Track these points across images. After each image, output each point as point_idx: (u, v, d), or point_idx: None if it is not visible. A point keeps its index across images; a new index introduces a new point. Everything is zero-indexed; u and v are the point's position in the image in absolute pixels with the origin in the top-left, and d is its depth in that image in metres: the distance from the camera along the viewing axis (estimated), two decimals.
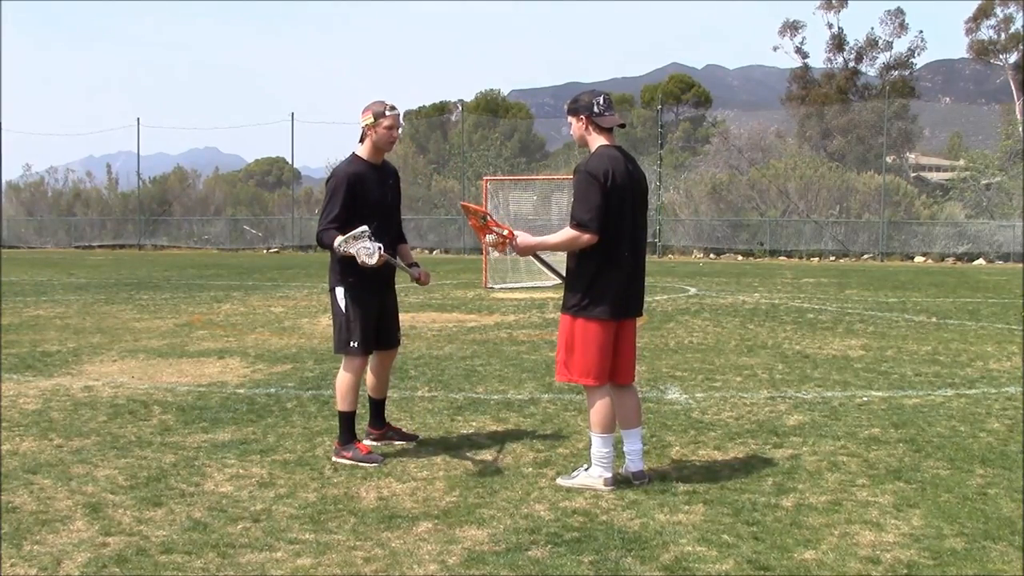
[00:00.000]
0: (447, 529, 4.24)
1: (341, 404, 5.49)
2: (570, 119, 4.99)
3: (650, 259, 28.50)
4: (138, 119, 42.66)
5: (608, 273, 4.81)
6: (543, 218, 20.85)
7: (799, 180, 35.97)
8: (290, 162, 50.09)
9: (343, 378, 5.49)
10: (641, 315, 5.11)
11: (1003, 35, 49.08)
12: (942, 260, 32.41)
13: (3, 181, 47.25)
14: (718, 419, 6.50)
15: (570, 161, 37.47)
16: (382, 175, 5.55)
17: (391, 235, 5.54)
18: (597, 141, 4.91)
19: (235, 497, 4.71)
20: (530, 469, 5.24)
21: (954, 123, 65.15)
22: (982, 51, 50.12)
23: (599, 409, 4.88)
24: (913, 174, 45.63)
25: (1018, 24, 49.07)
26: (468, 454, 5.57)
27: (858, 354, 9.51)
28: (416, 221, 38.60)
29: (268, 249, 40.53)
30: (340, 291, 5.44)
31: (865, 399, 7.22)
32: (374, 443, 5.73)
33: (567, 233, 4.79)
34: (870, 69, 50.68)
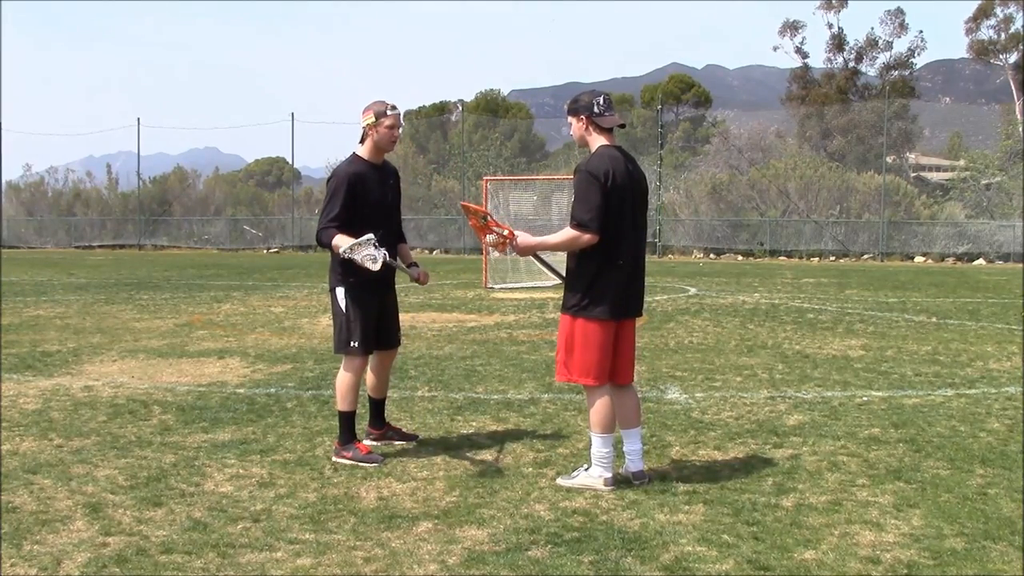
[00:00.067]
0: (447, 529, 4.24)
1: (341, 404, 5.49)
2: (570, 119, 4.99)
3: (650, 259, 28.50)
4: (138, 119, 42.72)
5: (608, 273, 4.81)
6: (543, 218, 20.84)
7: (799, 180, 35.98)
8: (290, 162, 50.13)
9: (343, 378, 5.49)
10: (641, 315, 5.11)
11: (1003, 35, 49.11)
12: (942, 260, 32.41)
13: (3, 181, 47.32)
14: (718, 419, 6.50)
15: (570, 161, 37.48)
16: (383, 175, 5.55)
17: (391, 235, 5.55)
18: (597, 141, 4.91)
19: (235, 497, 4.71)
20: (530, 469, 5.24)
21: (954, 123, 65.15)
22: (982, 51, 50.14)
23: (599, 409, 4.88)
24: (913, 174, 45.63)
25: (1018, 24, 49.15)
26: (468, 454, 5.57)
27: (858, 354, 9.51)
28: (416, 221, 38.60)
29: (268, 249, 40.53)
30: (340, 291, 5.44)
31: (865, 399, 7.22)
32: (374, 443, 5.73)
33: (567, 233, 4.79)
34: (870, 69, 50.76)
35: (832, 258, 33.83)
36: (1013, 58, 49.05)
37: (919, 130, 48.16)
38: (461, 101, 49.13)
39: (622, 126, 5.09)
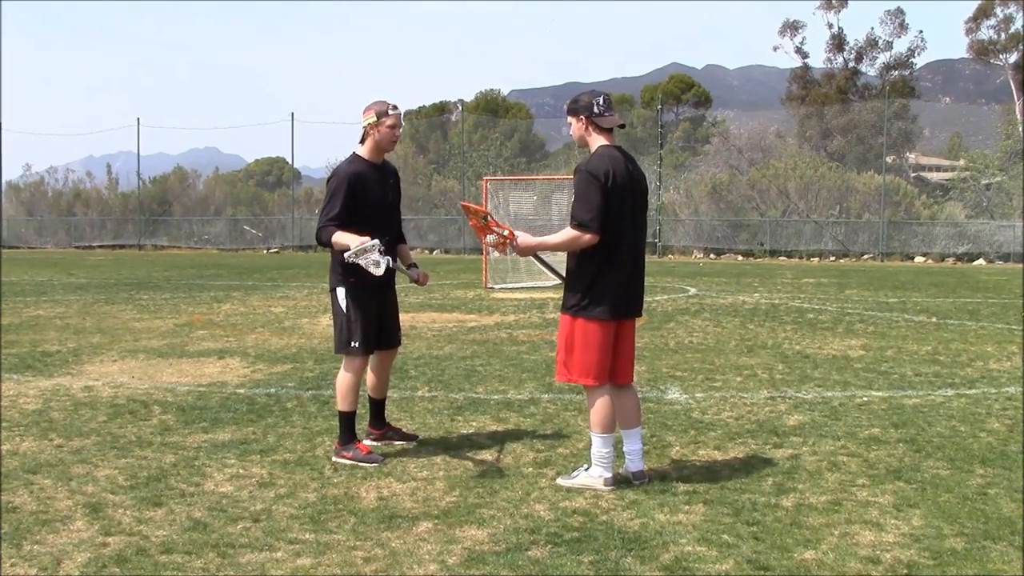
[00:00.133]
0: (447, 529, 4.24)
1: (341, 404, 5.49)
2: (570, 119, 4.99)
3: (650, 259, 28.51)
4: (138, 119, 42.71)
5: (608, 273, 4.81)
6: (543, 218, 20.84)
7: (799, 180, 35.97)
8: (290, 162, 50.11)
9: (343, 378, 5.49)
10: (641, 315, 5.11)
11: (1003, 35, 49.10)
12: (942, 260, 32.41)
13: (3, 181, 47.32)
14: (718, 419, 6.50)
15: (570, 161, 37.47)
16: (383, 175, 5.56)
17: (391, 235, 5.55)
18: (597, 141, 4.91)
19: (235, 497, 4.71)
20: (530, 469, 5.24)
21: (954, 123, 65.17)
22: (982, 51, 50.13)
23: (599, 409, 4.88)
24: (913, 174, 45.63)
25: (1018, 24, 49.13)
26: (468, 454, 5.57)
27: (858, 354, 9.51)
28: (416, 221, 38.60)
29: (268, 249, 40.53)
30: (341, 291, 5.45)
31: (865, 399, 7.22)
32: (374, 443, 5.73)
33: (568, 233, 4.79)
34: (870, 69, 50.76)
35: (832, 258, 33.83)
36: (1013, 58, 49.05)
37: (919, 130, 48.15)
38: (461, 101, 49.14)
39: (622, 126, 5.09)
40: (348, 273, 5.38)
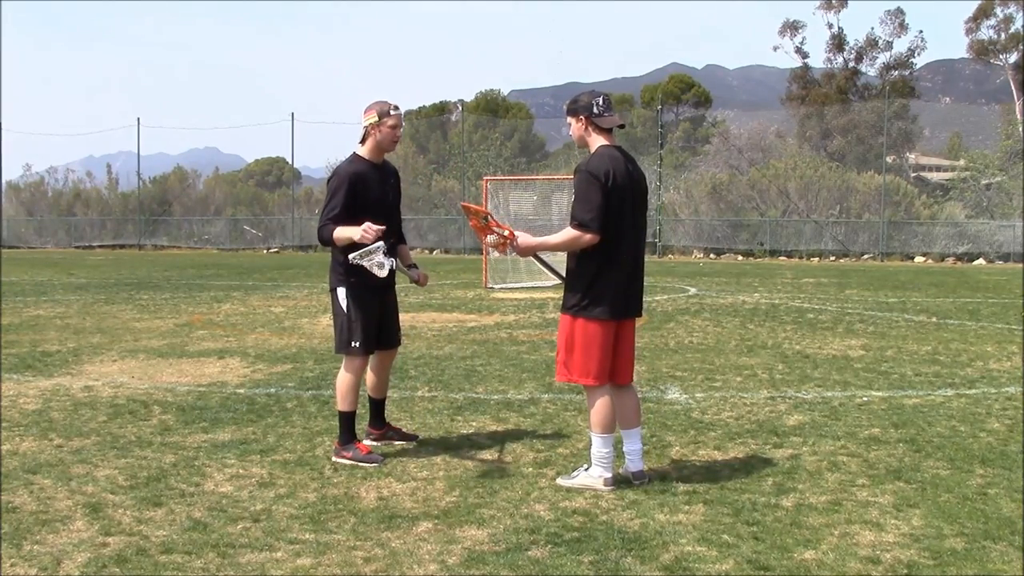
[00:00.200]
0: (447, 529, 4.24)
1: (341, 404, 5.49)
2: (569, 120, 4.99)
3: (650, 259, 28.52)
4: (138, 119, 42.72)
5: (608, 273, 4.81)
6: (543, 218, 20.84)
7: (799, 180, 35.98)
8: (290, 162, 50.13)
9: (343, 378, 5.49)
10: (641, 315, 5.11)
11: (1003, 35, 49.11)
12: (942, 260, 32.41)
13: (3, 181, 47.33)
14: (718, 419, 6.50)
15: (570, 161, 37.48)
16: (383, 175, 5.56)
17: (391, 235, 5.55)
18: (597, 141, 4.91)
19: (235, 497, 4.71)
20: (530, 469, 5.24)
21: (954, 123, 65.17)
22: (982, 51, 50.14)
23: (599, 409, 4.88)
24: (913, 174, 45.64)
25: (1018, 24, 49.15)
26: (468, 454, 5.57)
27: (858, 354, 9.51)
28: (416, 221, 38.60)
29: (268, 249, 40.54)
30: (341, 291, 5.45)
31: (865, 399, 7.22)
32: (374, 443, 5.73)
33: (568, 233, 4.79)
34: (870, 69, 50.77)
35: (832, 258, 33.84)
36: (1013, 58, 49.06)
37: (919, 130, 48.16)
38: (461, 101, 49.15)
39: (621, 126, 5.09)
40: (348, 273, 5.38)
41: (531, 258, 5.39)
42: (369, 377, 5.76)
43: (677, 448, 5.70)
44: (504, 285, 18.49)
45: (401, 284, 5.81)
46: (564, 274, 5.02)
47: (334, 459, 5.41)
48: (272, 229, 41.89)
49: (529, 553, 3.93)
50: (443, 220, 39.21)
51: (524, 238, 4.95)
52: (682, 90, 56.38)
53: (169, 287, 18.78)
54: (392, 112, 5.43)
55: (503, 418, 6.55)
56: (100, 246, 43.29)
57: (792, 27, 51.53)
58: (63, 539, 4.10)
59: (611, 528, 4.23)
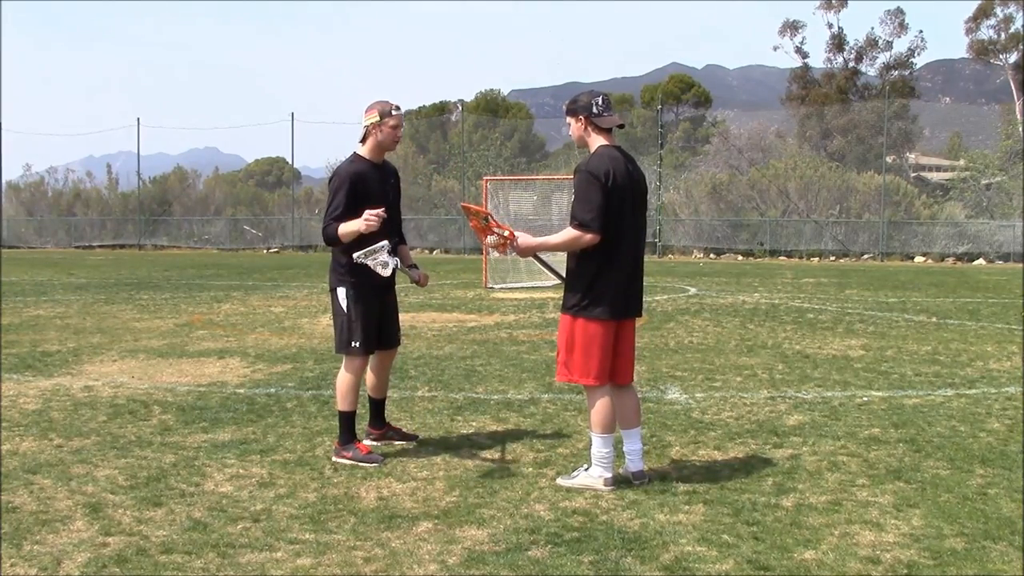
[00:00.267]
0: (447, 529, 4.24)
1: (341, 404, 5.49)
2: (569, 120, 5.00)
3: (650, 259, 28.52)
4: (138, 119, 42.72)
5: (608, 273, 4.81)
6: (543, 218, 20.83)
7: (799, 180, 35.98)
8: (290, 162, 50.13)
9: (343, 378, 5.49)
10: (641, 315, 5.11)
11: (1003, 35, 49.10)
12: (942, 260, 32.41)
13: (3, 181, 47.33)
14: (718, 419, 6.50)
15: (570, 161, 37.48)
16: (383, 174, 5.56)
17: (392, 235, 5.55)
18: (597, 141, 4.91)
19: (235, 497, 4.71)
20: (530, 469, 5.24)
21: (954, 123, 65.18)
22: (982, 51, 50.13)
23: (599, 409, 4.88)
24: (913, 174, 45.64)
25: (1018, 24, 49.14)
26: (468, 454, 5.57)
27: (858, 354, 9.51)
28: (416, 221, 38.60)
29: (268, 249, 40.54)
30: (342, 291, 5.45)
31: (865, 399, 7.22)
32: (374, 443, 5.73)
33: (569, 233, 4.79)
34: (870, 69, 50.77)
35: (832, 258, 33.84)
36: (1013, 58, 49.05)
37: (919, 130, 48.16)
38: (461, 101, 49.15)
39: (621, 126, 5.08)
40: (348, 273, 5.39)
41: (531, 258, 5.39)
42: (369, 377, 5.76)
43: (677, 448, 5.70)
44: (504, 285, 18.49)
45: (401, 284, 5.81)
46: (564, 274, 5.02)
47: (334, 459, 5.41)
48: (272, 229, 41.90)
49: (529, 553, 3.93)
50: (443, 220, 39.22)
51: (524, 238, 4.95)
52: (682, 90, 56.38)
53: (169, 287, 18.78)
54: (394, 112, 5.43)
55: (503, 418, 6.55)
56: (100, 246, 43.28)
57: (792, 27, 51.54)
58: (63, 539, 4.10)
59: (611, 528, 4.23)
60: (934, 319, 12.92)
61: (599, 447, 4.88)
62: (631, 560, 3.85)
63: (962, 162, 39.37)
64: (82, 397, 7.27)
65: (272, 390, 7.57)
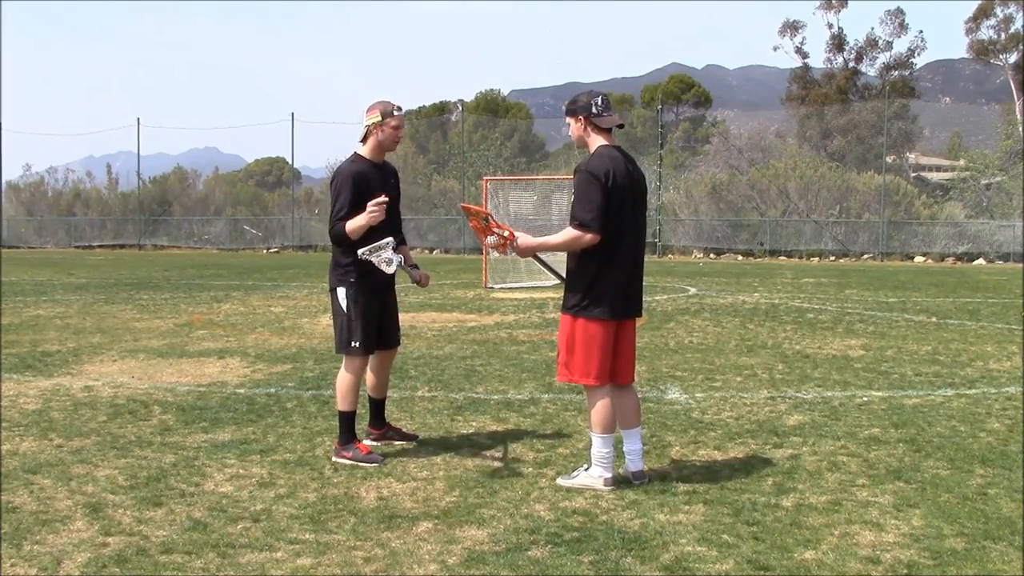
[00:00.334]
0: (447, 529, 4.24)
1: (341, 404, 5.49)
2: (568, 120, 5.00)
3: (650, 259, 28.51)
4: (138, 119, 42.73)
5: (608, 273, 4.81)
6: (543, 218, 20.84)
7: (799, 180, 35.99)
8: (290, 162, 50.14)
9: (343, 378, 5.49)
10: (641, 315, 5.11)
11: (1003, 35, 49.11)
12: (942, 260, 32.42)
13: (3, 181, 47.34)
14: (718, 419, 6.50)
15: (570, 161, 37.48)
16: (384, 174, 5.56)
17: (392, 235, 5.55)
18: (596, 141, 4.91)
19: (235, 497, 4.71)
20: (530, 469, 5.24)
21: (954, 123, 65.21)
22: (982, 51, 50.14)
23: (599, 409, 4.88)
24: (913, 174, 45.65)
25: (1018, 24, 49.15)
26: (468, 454, 5.57)
27: (858, 354, 9.51)
28: (416, 221, 38.61)
29: (268, 249, 40.54)
30: (342, 291, 5.45)
31: (865, 399, 7.22)
32: (374, 443, 5.73)
33: (569, 233, 4.78)
34: (870, 69, 50.79)
35: (832, 258, 33.84)
36: (1013, 58, 49.06)
37: (919, 130, 48.18)
38: (461, 101, 49.17)
39: (620, 126, 5.09)
40: (349, 273, 5.39)
41: (531, 258, 5.40)
42: (369, 377, 5.76)
43: (677, 448, 5.70)
44: (504, 285, 18.49)
45: (401, 284, 5.81)
46: (564, 274, 5.02)
47: (334, 459, 5.41)
48: (272, 229, 41.91)
49: (529, 553, 3.93)
50: (443, 220, 39.22)
51: (524, 238, 4.95)
52: (682, 90, 56.39)
53: (169, 287, 18.78)
54: (395, 112, 5.44)
55: (503, 418, 6.55)
56: (100, 246, 43.29)
57: (792, 27, 51.55)
58: (63, 539, 4.10)
59: (611, 528, 4.23)
60: (934, 319, 12.92)
61: (599, 447, 4.88)
62: (631, 560, 3.85)
63: (962, 162, 39.39)
64: (82, 397, 7.27)
65: (272, 390, 7.57)
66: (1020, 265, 28.81)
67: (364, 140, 5.51)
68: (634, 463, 4.96)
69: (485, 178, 21.12)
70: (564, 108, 5.03)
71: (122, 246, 42.94)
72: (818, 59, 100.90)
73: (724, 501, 4.62)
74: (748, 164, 40.67)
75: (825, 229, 34.64)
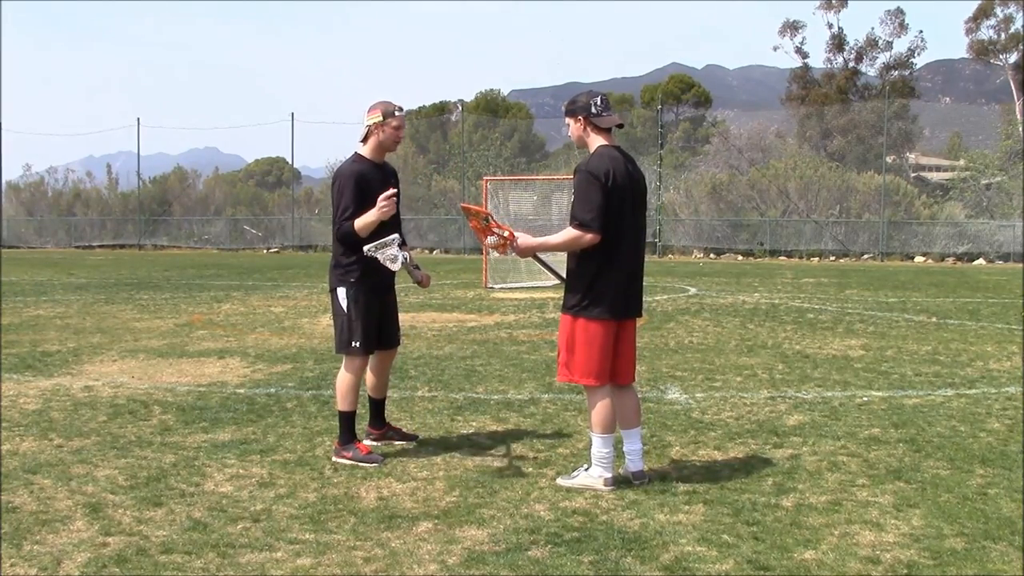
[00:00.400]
0: (447, 529, 4.24)
1: (341, 404, 5.49)
2: (568, 120, 5.00)
3: (650, 259, 28.51)
4: (138, 119, 42.72)
5: (608, 273, 4.81)
6: (543, 218, 20.84)
7: (799, 180, 35.99)
8: (290, 162, 50.13)
9: (343, 378, 5.49)
10: (641, 315, 5.11)
11: (1003, 35, 49.10)
12: (942, 260, 32.42)
13: (3, 181, 47.34)
14: (718, 419, 6.50)
15: (570, 161, 37.49)
16: (384, 174, 5.56)
17: (395, 234, 5.55)
18: (596, 141, 4.91)
19: (235, 497, 4.71)
20: (530, 469, 5.24)
21: (954, 123, 65.23)
22: (982, 51, 50.13)
23: (600, 409, 4.88)
24: (913, 174, 45.65)
25: (1018, 24, 49.13)
26: (468, 454, 5.57)
27: (858, 354, 9.51)
28: (416, 221, 38.61)
29: (268, 249, 40.53)
30: (342, 291, 5.45)
31: (865, 399, 7.22)
32: (374, 443, 5.73)
33: (569, 233, 4.78)
34: (870, 69, 50.77)
35: (832, 258, 33.84)
36: (1013, 58, 49.05)
37: (919, 130, 48.18)
38: (461, 101, 49.17)
39: (620, 126, 5.09)
40: (349, 273, 5.39)
41: (531, 258, 5.40)
42: (369, 377, 5.76)
43: (677, 448, 5.70)
44: (504, 285, 18.49)
45: (401, 284, 5.81)
46: (564, 274, 5.02)
47: (334, 459, 5.41)
48: (272, 229, 41.90)
49: (529, 553, 3.93)
50: (443, 220, 39.22)
51: (524, 239, 4.95)
52: (682, 90, 56.39)
53: (169, 287, 18.78)
54: (397, 113, 5.45)
55: (503, 418, 6.55)
56: (100, 246, 43.29)
57: (792, 27, 51.54)
58: (63, 539, 4.10)
59: (611, 528, 4.23)
60: (934, 319, 12.93)
61: (599, 447, 4.88)
62: (631, 560, 3.85)
63: (962, 162, 39.39)
64: (82, 397, 7.27)
65: (272, 390, 7.57)
66: (1020, 265, 28.81)
67: (365, 140, 5.52)
68: (634, 463, 4.96)
69: (485, 178, 21.12)
70: (564, 108, 5.03)
71: (122, 246, 42.94)
72: (818, 59, 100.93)
73: (724, 501, 4.62)
74: (748, 164, 40.67)
75: (825, 229, 34.64)
